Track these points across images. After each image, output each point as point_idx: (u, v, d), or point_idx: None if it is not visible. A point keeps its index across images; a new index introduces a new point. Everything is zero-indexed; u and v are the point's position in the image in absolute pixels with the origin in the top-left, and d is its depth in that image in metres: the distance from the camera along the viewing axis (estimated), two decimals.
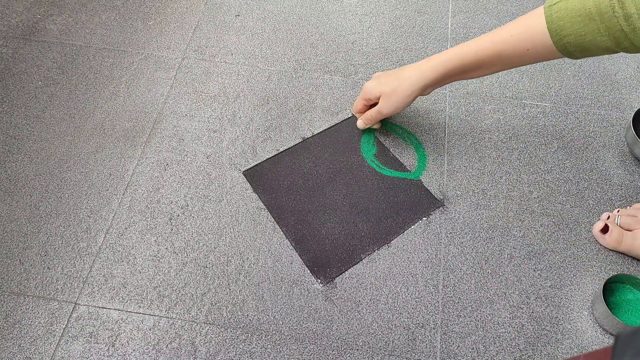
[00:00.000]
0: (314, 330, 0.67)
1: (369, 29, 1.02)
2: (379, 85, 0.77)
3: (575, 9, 0.59)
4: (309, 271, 0.71)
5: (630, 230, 0.73)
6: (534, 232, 0.76)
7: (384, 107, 0.77)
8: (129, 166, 0.81)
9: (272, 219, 0.76)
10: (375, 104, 0.80)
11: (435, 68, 0.72)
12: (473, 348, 0.66)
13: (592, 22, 0.58)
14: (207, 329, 0.66)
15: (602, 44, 0.59)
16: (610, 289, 0.69)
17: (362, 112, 0.84)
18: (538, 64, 0.97)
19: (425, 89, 0.74)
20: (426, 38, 1.00)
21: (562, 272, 0.72)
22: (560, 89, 0.93)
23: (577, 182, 0.81)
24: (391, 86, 0.75)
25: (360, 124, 0.83)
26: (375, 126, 0.85)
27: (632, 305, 0.68)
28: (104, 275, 0.70)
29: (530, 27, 0.64)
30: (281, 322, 0.67)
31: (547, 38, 0.62)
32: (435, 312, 0.68)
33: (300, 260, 0.72)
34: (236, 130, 0.86)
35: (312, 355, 0.65)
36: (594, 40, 0.59)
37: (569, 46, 0.61)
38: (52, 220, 0.75)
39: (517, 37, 0.65)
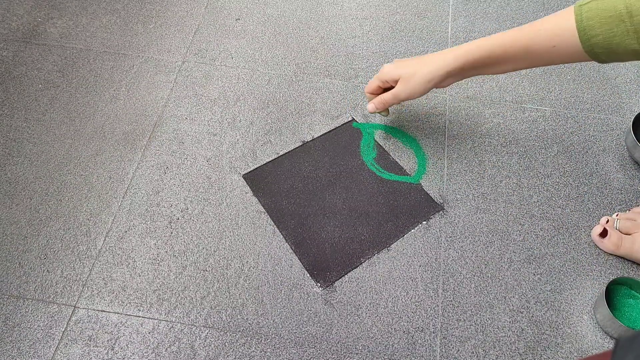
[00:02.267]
0: (313, 334, 0.66)
1: (369, 33, 1.02)
2: (399, 68, 0.74)
3: (605, 9, 0.58)
4: (308, 275, 0.71)
5: (629, 234, 0.73)
6: (533, 236, 0.76)
7: (402, 91, 0.74)
8: (128, 169, 0.81)
9: (272, 223, 0.76)
10: (390, 89, 0.78)
11: (460, 56, 0.70)
12: (473, 352, 0.65)
13: (622, 23, 0.57)
14: (206, 332, 0.66)
15: (630, 46, 0.58)
16: (612, 293, 0.69)
17: (376, 94, 0.80)
18: (538, 67, 0.97)
19: (447, 78, 0.72)
20: (426, 42, 1.01)
21: (562, 276, 0.72)
22: (560, 93, 0.93)
23: (577, 186, 0.81)
24: (411, 70, 0.73)
25: (371, 107, 0.79)
26: (384, 113, 0.82)
27: (633, 309, 0.68)
28: (103, 279, 0.70)
29: (559, 25, 0.63)
30: (281, 326, 0.67)
31: (575, 37, 0.61)
32: (435, 316, 0.68)
33: (300, 263, 0.72)
34: (236, 134, 0.86)
35: (311, 359, 0.65)
36: (622, 42, 0.58)
37: (596, 47, 0.60)
38: (51, 223, 0.75)
39: (545, 32, 0.64)
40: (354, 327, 0.67)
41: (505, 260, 0.73)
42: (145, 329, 0.66)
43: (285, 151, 0.84)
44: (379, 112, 0.82)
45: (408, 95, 0.74)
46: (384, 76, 0.77)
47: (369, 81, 0.81)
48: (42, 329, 0.66)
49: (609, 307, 0.65)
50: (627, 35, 0.57)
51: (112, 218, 0.76)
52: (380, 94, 0.79)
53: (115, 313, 0.68)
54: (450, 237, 0.75)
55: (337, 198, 0.78)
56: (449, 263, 0.73)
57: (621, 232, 0.73)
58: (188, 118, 0.88)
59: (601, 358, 0.36)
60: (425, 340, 0.66)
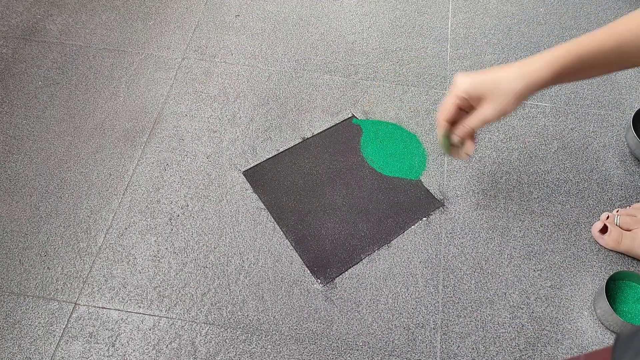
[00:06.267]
0: (313, 330, 0.67)
1: (369, 29, 1.02)
2: (483, 84, 0.60)
3: None
4: (308, 271, 0.71)
5: (630, 231, 0.73)
6: (534, 232, 0.76)
7: (492, 112, 0.60)
8: (129, 166, 0.81)
9: (272, 219, 0.76)
10: (464, 111, 0.64)
11: (550, 65, 0.58)
12: (473, 348, 0.66)
13: None
14: (207, 329, 0.66)
15: None
16: (612, 287, 0.69)
17: (451, 119, 0.64)
18: None
19: (535, 90, 0.60)
20: (426, 38, 1.00)
21: (562, 272, 0.72)
22: (560, 89, 0.93)
23: (577, 182, 0.81)
24: (498, 83, 0.59)
25: (470, 149, 0.65)
26: (460, 146, 0.66)
27: (633, 303, 0.68)
28: (104, 276, 0.70)
29: None
30: (281, 322, 0.67)
31: None
32: (435, 312, 0.68)
33: (300, 260, 0.72)
34: (236, 131, 0.86)
35: (311, 355, 0.65)
36: None
37: None
38: (52, 221, 0.75)
39: (636, 30, 0.55)
40: (355, 324, 0.67)
41: (506, 256, 0.73)
42: (146, 325, 0.67)
43: (285, 148, 0.84)
44: (454, 144, 0.66)
45: (499, 115, 0.60)
46: (466, 92, 0.61)
47: (442, 104, 0.64)
48: (42, 326, 0.66)
49: (608, 301, 0.65)
50: None
51: (113, 215, 0.76)
52: (454, 118, 0.64)
53: (116, 310, 0.68)
54: (450, 233, 0.75)
55: (337, 194, 0.78)
56: (449, 259, 0.73)
57: (621, 228, 0.73)
58: (188, 115, 0.88)
59: (601, 354, 0.36)
60: (425, 337, 0.66)
